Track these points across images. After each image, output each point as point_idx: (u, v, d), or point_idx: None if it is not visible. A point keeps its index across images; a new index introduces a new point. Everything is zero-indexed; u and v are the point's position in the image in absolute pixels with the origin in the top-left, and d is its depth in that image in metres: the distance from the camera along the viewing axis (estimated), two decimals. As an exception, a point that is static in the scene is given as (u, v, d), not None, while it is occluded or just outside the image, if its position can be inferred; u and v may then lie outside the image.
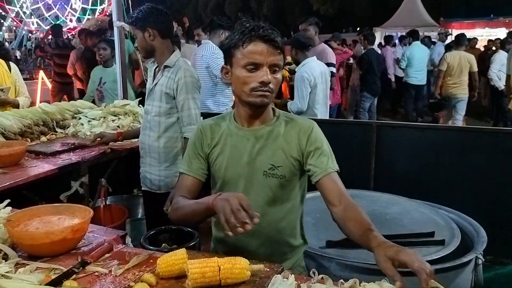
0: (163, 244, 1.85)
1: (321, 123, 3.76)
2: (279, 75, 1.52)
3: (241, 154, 1.61)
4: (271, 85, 1.50)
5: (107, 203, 3.14)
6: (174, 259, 1.25)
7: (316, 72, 4.08)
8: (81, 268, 1.35)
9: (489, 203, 3.02)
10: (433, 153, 3.29)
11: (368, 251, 2.08)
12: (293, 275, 1.25)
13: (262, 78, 1.47)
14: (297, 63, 4.30)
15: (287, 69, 5.33)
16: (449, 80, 7.02)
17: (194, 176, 1.65)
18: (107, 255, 1.45)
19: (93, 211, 2.86)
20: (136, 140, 3.19)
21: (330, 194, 1.53)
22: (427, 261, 1.95)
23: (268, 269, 1.31)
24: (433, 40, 12.32)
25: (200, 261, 1.21)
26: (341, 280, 1.26)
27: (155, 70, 2.68)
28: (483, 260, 2.12)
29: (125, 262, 1.40)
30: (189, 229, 2.40)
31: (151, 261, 1.39)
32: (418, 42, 8.74)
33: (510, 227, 2.94)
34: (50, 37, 7.49)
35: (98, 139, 2.94)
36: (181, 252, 1.27)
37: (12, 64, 3.69)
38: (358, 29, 18.28)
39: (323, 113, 4.23)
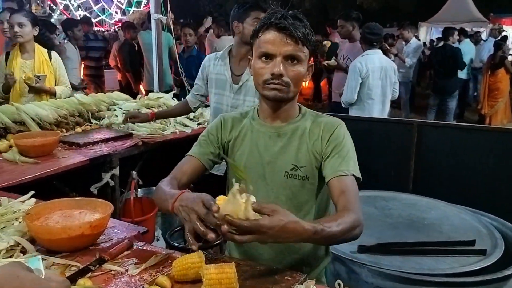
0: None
1: (357, 120, 3.69)
2: (298, 67, 1.40)
3: (262, 152, 1.52)
4: (285, 78, 1.39)
5: (138, 195, 3.14)
6: (189, 263, 1.18)
7: (373, 65, 3.98)
8: (98, 265, 1.31)
9: (537, 212, 2.82)
10: (477, 155, 3.11)
11: (403, 259, 1.98)
12: (315, 286, 1.16)
13: (273, 70, 1.38)
14: None
15: (326, 64, 5.20)
16: None
17: (198, 159, 1.56)
18: (126, 252, 1.41)
19: (124, 203, 2.91)
20: (169, 133, 3.18)
21: (333, 194, 1.39)
22: (466, 272, 1.86)
23: (289, 278, 1.23)
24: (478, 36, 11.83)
25: (217, 266, 1.14)
26: None
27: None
28: (529, 274, 1.96)
29: (143, 261, 1.34)
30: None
31: (170, 261, 1.34)
32: (468, 40, 8.39)
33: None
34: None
35: (131, 119, 2.96)
36: (198, 256, 1.20)
37: (53, 53, 3.69)
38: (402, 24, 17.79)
39: (378, 110, 4.09)
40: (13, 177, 2.21)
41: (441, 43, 7.51)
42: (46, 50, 3.64)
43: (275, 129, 1.52)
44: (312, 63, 1.49)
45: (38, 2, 18.17)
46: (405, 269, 1.89)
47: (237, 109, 2.63)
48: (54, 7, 20.26)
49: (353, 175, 1.40)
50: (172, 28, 4.36)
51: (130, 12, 19.63)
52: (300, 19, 1.40)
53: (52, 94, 3.59)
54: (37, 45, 3.57)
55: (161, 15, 4.00)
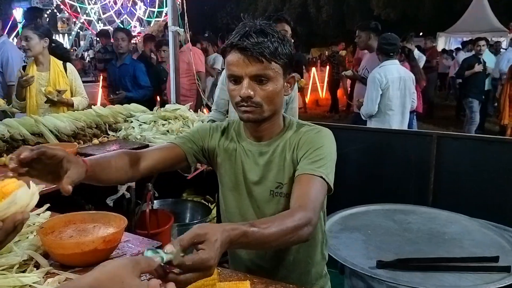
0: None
1: (376, 132, 3.64)
2: (269, 86, 1.34)
3: (247, 171, 1.50)
4: (255, 99, 1.34)
5: (154, 207, 3.14)
6: (203, 280, 1.16)
7: (392, 76, 3.95)
8: (111, 281, 1.29)
9: None
10: (500, 168, 3.03)
11: (423, 275, 1.93)
12: None
13: (240, 92, 1.34)
14: None
15: (344, 74, 5.15)
16: None
17: (180, 147, 1.52)
18: (139, 267, 1.39)
19: (140, 215, 2.91)
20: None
21: (293, 193, 1.31)
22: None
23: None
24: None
25: (231, 284, 1.11)
26: None
27: None
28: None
29: (156, 276, 1.33)
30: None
31: (183, 277, 1.31)
32: (487, 50, 8.33)
33: None
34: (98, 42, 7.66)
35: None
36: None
37: (68, 65, 3.76)
38: (421, 34, 17.68)
39: (397, 122, 4.04)
40: (30, 189, 2.22)
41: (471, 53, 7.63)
42: (61, 62, 3.72)
43: (258, 147, 1.49)
44: (292, 74, 1.43)
45: (64, 19, 18.61)
46: (425, 286, 1.84)
47: None
48: (75, 21, 20.68)
49: (321, 177, 1.32)
50: (189, 40, 4.39)
51: (152, 23, 19.93)
52: (265, 34, 1.33)
53: (70, 106, 3.65)
54: (52, 57, 3.65)
55: (178, 27, 4.03)
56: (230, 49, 1.35)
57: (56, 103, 3.56)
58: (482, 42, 7.55)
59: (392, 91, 3.96)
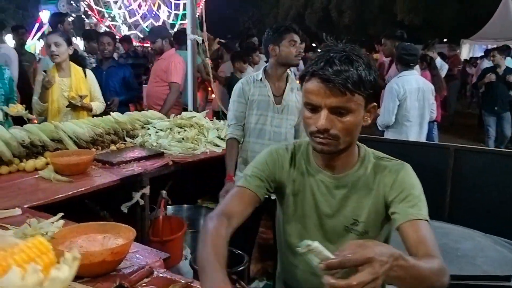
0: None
1: (392, 143, 3.60)
2: (349, 118, 1.25)
3: (320, 203, 1.42)
4: (332, 131, 1.26)
5: (168, 214, 3.17)
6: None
7: (410, 86, 3.91)
8: (117, 292, 1.32)
9: None
10: (517, 183, 2.97)
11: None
12: None
13: (317, 123, 1.25)
14: None
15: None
16: None
17: (254, 191, 1.42)
18: (145, 279, 1.42)
19: (153, 222, 2.94)
20: (199, 152, 3.21)
21: (407, 241, 1.26)
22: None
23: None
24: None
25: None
26: None
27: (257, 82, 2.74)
28: None
29: (163, 288, 1.36)
30: (239, 251, 2.36)
31: (188, 290, 1.34)
32: (509, 58, 8.12)
33: None
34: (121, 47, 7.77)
35: None
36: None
37: (87, 71, 3.88)
38: (445, 40, 17.44)
39: (415, 133, 4.00)
40: (47, 195, 2.28)
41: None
42: (81, 68, 3.84)
43: (333, 179, 1.41)
44: (375, 104, 1.33)
45: (92, 25, 18.96)
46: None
47: (281, 128, 2.73)
48: (102, 26, 20.98)
49: (427, 220, 1.28)
50: (207, 47, 4.42)
51: (176, 26, 20.08)
52: (350, 61, 1.23)
53: (89, 110, 3.76)
54: (72, 64, 3.76)
55: (197, 36, 4.08)
56: (310, 76, 1.27)
57: (77, 107, 3.67)
58: (496, 52, 7.30)
59: (410, 102, 3.92)
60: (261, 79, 2.74)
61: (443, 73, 7.56)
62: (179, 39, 5.14)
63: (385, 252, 0.97)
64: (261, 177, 1.45)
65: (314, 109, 1.27)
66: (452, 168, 3.20)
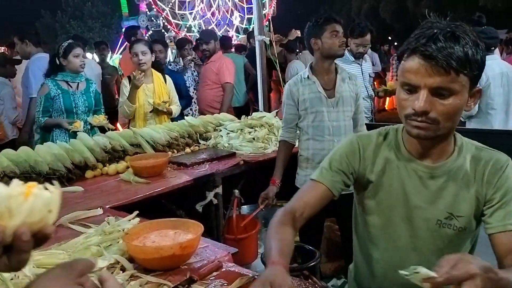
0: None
1: (475, 133, 3.39)
2: (451, 101, 1.14)
3: (410, 194, 1.33)
4: (431, 114, 1.15)
5: (243, 213, 3.23)
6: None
7: (492, 72, 3.69)
8: (187, 285, 1.38)
9: None
10: None
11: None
12: None
13: (415, 105, 1.15)
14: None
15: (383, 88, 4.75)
16: None
17: (328, 187, 1.36)
18: (214, 273, 1.47)
19: (227, 221, 3.02)
20: (270, 151, 3.24)
21: (498, 250, 1.20)
22: None
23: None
24: None
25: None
26: None
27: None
28: None
29: (231, 282, 1.39)
30: (310, 247, 2.35)
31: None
32: None
33: None
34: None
35: None
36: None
37: (167, 77, 4.09)
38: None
39: (501, 121, 3.77)
40: (127, 196, 2.43)
41: None
42: (160, 74, 4.04)
43: (427, 169, 1.31)
44: (480, 88, 1.22)
45: (171, 38, 19.84)
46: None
47: (339, 122, 2.65)
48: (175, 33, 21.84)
49: None
50: (275, 48, 4.46)
51: (250, 29, 20.45)
52: (456, 38, 1.12)
53: (169, 114, 3.97)
54: (153, 70, 3.95)
55: (264, 37, 4.13)
56: (410, 53, 1.16)
57: (159, 112, 3.88)
58: None
59: (493, 88, 3.68)
60: (308, 77, 2.67)
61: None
62: (223, 44, 5.25)
63: (482, 266, 0.92)
64: (338, 170, 1.38)
65: (412, 89, 1.17)
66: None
